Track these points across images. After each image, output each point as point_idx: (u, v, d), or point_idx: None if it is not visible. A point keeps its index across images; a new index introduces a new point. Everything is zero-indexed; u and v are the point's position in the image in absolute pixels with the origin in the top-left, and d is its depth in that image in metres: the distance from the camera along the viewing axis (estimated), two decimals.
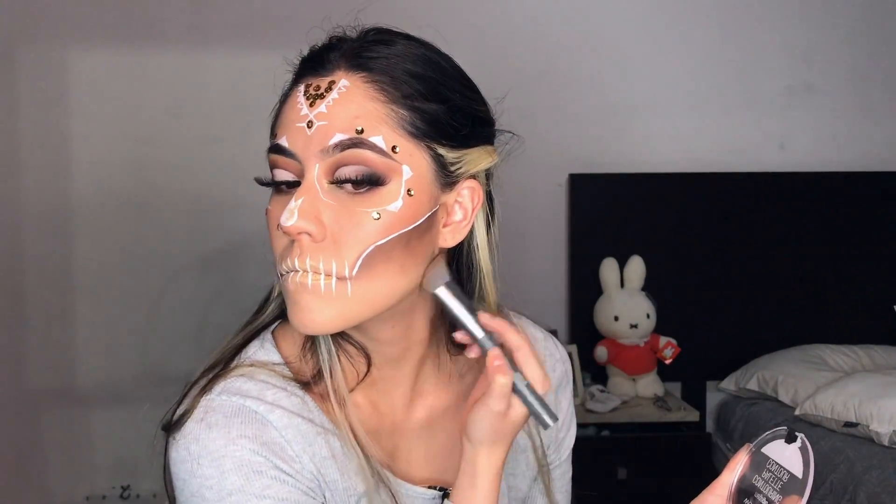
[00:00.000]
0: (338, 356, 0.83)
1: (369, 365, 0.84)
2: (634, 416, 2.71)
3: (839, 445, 2.41)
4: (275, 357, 0.83)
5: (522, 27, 2.93)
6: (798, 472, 0.74)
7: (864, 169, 3.05)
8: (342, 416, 0.81)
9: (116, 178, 2.78)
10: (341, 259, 0.74)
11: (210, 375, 0.82)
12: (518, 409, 0.77)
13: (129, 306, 2.82)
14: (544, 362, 0.77)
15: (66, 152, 2.77)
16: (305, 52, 0.81)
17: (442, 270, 0.79)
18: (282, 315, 0.86)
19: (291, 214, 0.73)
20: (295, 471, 0.78)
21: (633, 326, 2.80)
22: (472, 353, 0.79)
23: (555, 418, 0.78)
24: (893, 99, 3.10)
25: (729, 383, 2.93)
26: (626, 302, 2.82)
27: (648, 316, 2.82)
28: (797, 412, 2.58)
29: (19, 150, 2.76)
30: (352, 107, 0.74)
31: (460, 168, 0.80)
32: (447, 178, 0.79)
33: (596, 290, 2.89)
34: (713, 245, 2.98)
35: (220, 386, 0.80)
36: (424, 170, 0.77)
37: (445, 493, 0.86)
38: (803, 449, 0.75)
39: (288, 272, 0.75)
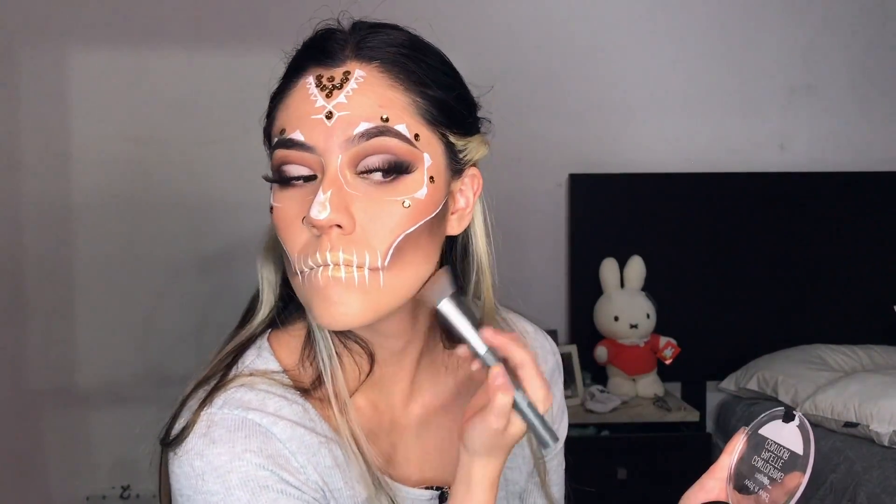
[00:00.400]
0: (339, 357, 0.82)
1: (372, 363, 0.84)
2: (634, 416, 2.71)
3: (839, 445, 2.41)
4: (273, 365, 0.82)
5: (522, 27, 2.92)
6: (798, 450, 0.74)
7: (864, 169, 3.04)
8: (343, 422, 0.80)
9: (116, 177, 2.78)
10: (373, 250, 0.73)
11: (207, 387, 0.80)
12: (517, 426, 0.76)
13: (129, 306, 2.82)
14: (535, 356, 0.77)
15: (66, 152, 2.77)
16: (298, 45, 0.80)
17: (445, 282, 0.76)
18: (273, 323, 0.85)
19: (323, 207, 0.71)
20: (300, 482, 0.78)
21: (633, 326, 2.80)
22: (474, 365, 0.77)
23: (555, 438, 0.76)
24: (893, 99, 3.09)
25: (729, 383, 2.93)
26: (626, 302, 2.82)
27: (648, 316, 2.82)
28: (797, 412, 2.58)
29: (19, 149, 2.76)
30: (373, 96, 0.74)
31: (466, 155, 0.80)
32: (456, 165, 0.80)
33: (596, 290, 2.89)
34: (713, 245, 2.98)
35: (222, 398, 0.79)
36: (440, 157, 0.77)
37: (443, 494, 0.86)
38: (802, 427, 0.75)
39: (316, 267, 0.73)
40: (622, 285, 2.86)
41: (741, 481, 0.77)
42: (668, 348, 2.81)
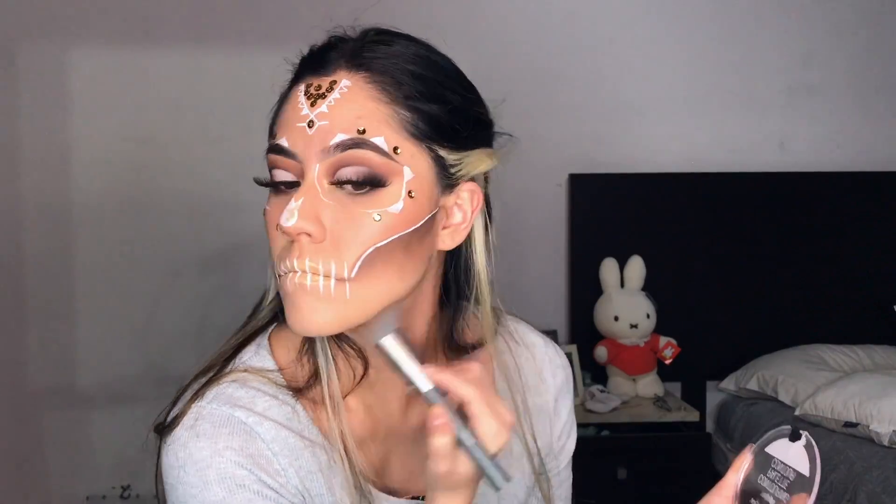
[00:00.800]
0: (334, 359, 0.82)
1: (366, 367, 0.83)
2: (634, 416, 2.71)
3: (839, 445, 2.41)
4: (268, 363, 0.83)
5: (522, 27, 2.92)
6: (805, 471, 0.73)
7: (864, 169, 3.04)
8: (335, 424, 0.80)
9: (116, 177, 2.78)
10: (341, 260, 0.73)
11: (203, 379, 0.81)
12: (466, 466, 0.72)
13: (129, 306, 2.82)
14: (543, 369, 0.75)
15: (66, 152, 2.77)
16: (305, 51, 0.80)
17: (389, 319, 0.74)
18: (277, 318, 0.86)
19: (291, 215, 0.72)
20: (279, 485, 0.78)
21: (633, 326, 2.80)
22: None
23: (507, 479, 0.71)
24: (893, 99, 3.10)
25: (729, 383, 2.93)
26: (626, 302, 2.82)
27: (648, 316, 2.82)
28: (797, 412, 2.58)
29: (19, 149, 2.76)
30: (353, 107, 0.74)
31: (460, 170, 0.79)
32: (447, 180, 0.78)
33: (596, 291, 2.89)
34: (713, 245, 2.98)
35: (212, 393, 0.79)
36: (425, 171, 0.76)
37: None
38: (808, 447, 0.74)
39: (286, 273, 0.74)
40: (622, 285, 2.86)
41: (747, 500, 0.77)
42: (668, 348, 2.81)
